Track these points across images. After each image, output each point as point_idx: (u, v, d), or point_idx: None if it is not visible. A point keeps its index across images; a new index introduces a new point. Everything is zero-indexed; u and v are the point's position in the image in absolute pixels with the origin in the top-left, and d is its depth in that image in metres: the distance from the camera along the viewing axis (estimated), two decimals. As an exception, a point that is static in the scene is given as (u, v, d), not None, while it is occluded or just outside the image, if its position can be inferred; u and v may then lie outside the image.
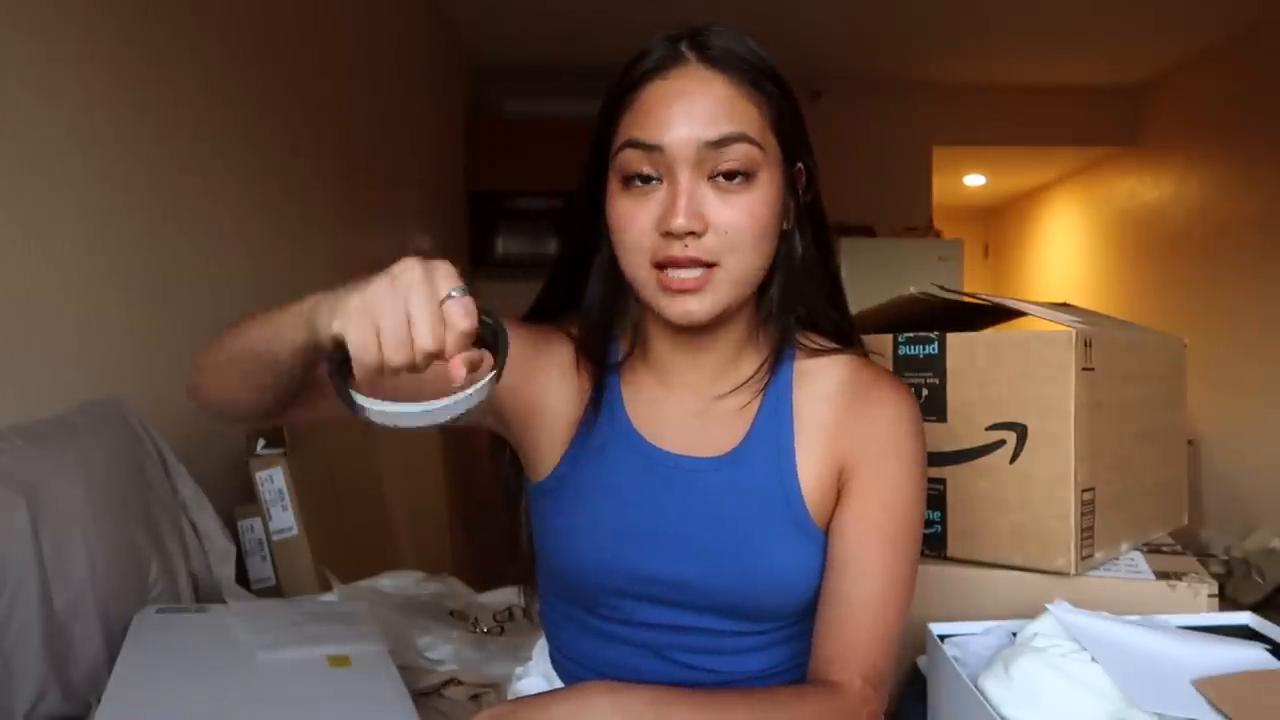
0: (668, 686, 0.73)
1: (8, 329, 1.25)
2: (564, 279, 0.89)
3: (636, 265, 0.77)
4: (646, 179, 0.76)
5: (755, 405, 0.84)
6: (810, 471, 0.83)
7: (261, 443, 1.75)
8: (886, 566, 0.80)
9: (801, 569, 0.82)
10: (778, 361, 0.85)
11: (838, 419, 0.84)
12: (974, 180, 6.35)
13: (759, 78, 0.78)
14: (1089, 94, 5.02)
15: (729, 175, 0.76)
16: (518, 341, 0.85)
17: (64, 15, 1.38)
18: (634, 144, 0.76)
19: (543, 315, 0.91)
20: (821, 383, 0.85)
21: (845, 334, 0.88)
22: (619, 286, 0.85)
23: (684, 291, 0.75)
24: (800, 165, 0.83)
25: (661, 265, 0.76)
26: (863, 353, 0.88)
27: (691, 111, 0.75)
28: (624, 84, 0.79)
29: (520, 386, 0.85)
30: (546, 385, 0.87)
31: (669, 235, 0.74)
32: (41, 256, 1.33)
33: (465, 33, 4.24)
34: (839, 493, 0.83)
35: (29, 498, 1.09)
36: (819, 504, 0.83)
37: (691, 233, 0.74)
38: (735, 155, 0.75)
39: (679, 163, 0.75)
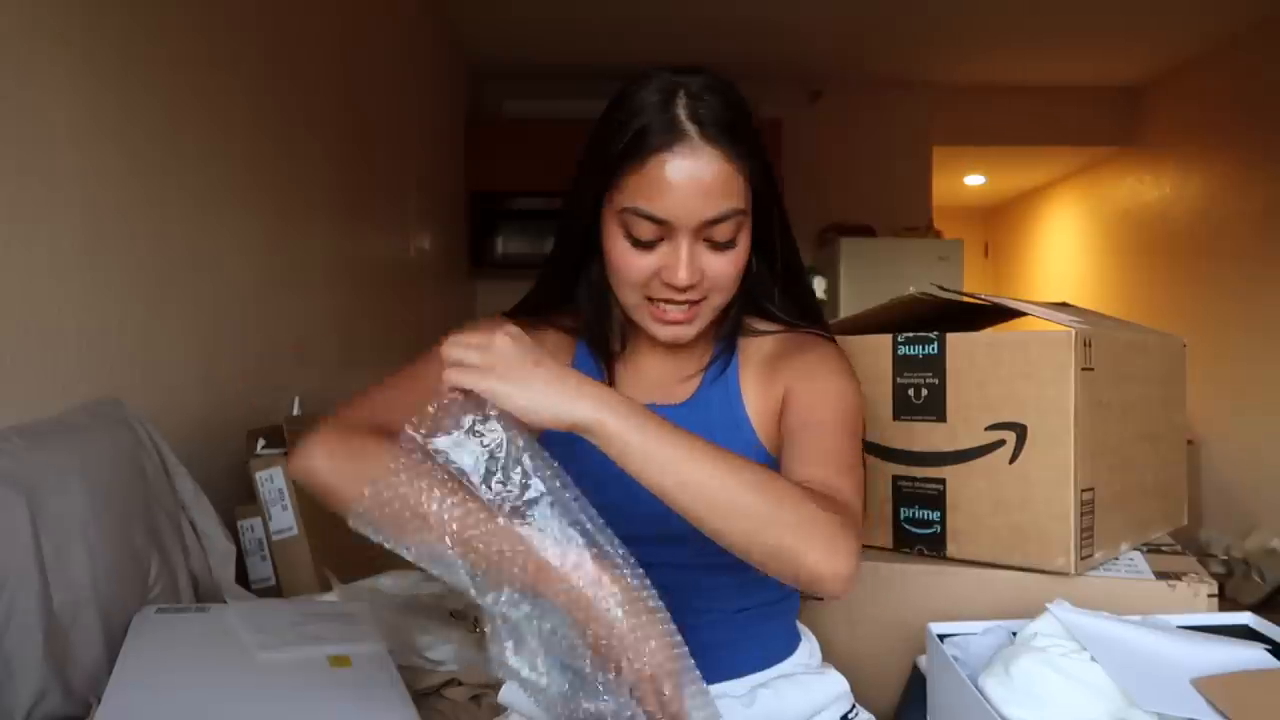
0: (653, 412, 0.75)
1: (8, 329, 1.25)
2: (554, 283, 1.00)
3: (630, 294, 0.91)
4: (649, 243, 0.87)
5: (705, 369, 1.00)
6: (755, 407, 0.97)
7: (261, 443, 1.75)
8: (836, 432, 0.88)
9: None
10: (729, 340, 1.00)
11: (773, 364, 0.98)
12: (974, 180, 6.35)
13: (750, 144, 0.88)
14: (1089, 94, 5.02)
15: (717, 242, 0.88)
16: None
17: (64, 15, 1.38)
18: (641, 214, 0.86)
19: (531, 310, 1.02)
20: (759, 348, 1.00)
21: (791, 323, 1.01)
22: (605, 295, 0.97)
23: (675, 322, 0.90)
24: (761, 204, 0.93)
25: (656, 300, 0.89)
26: (807, 330, 1.01)
27: (696, 192, 0.85)
28: (630, 145, 0.86)
29: None
30: None
31: (670, 286, 0.87)
32: (42, 256, 1.33)
33: (465, 33, 4.24)
34: (781, 410, 0.94)
35: (29, 498, 1.09)
36: (766, 433, 0.96)
37: (689, 286, 0.87)
38: (728, 228, 0.88)
39: (681, 232, 0.86)
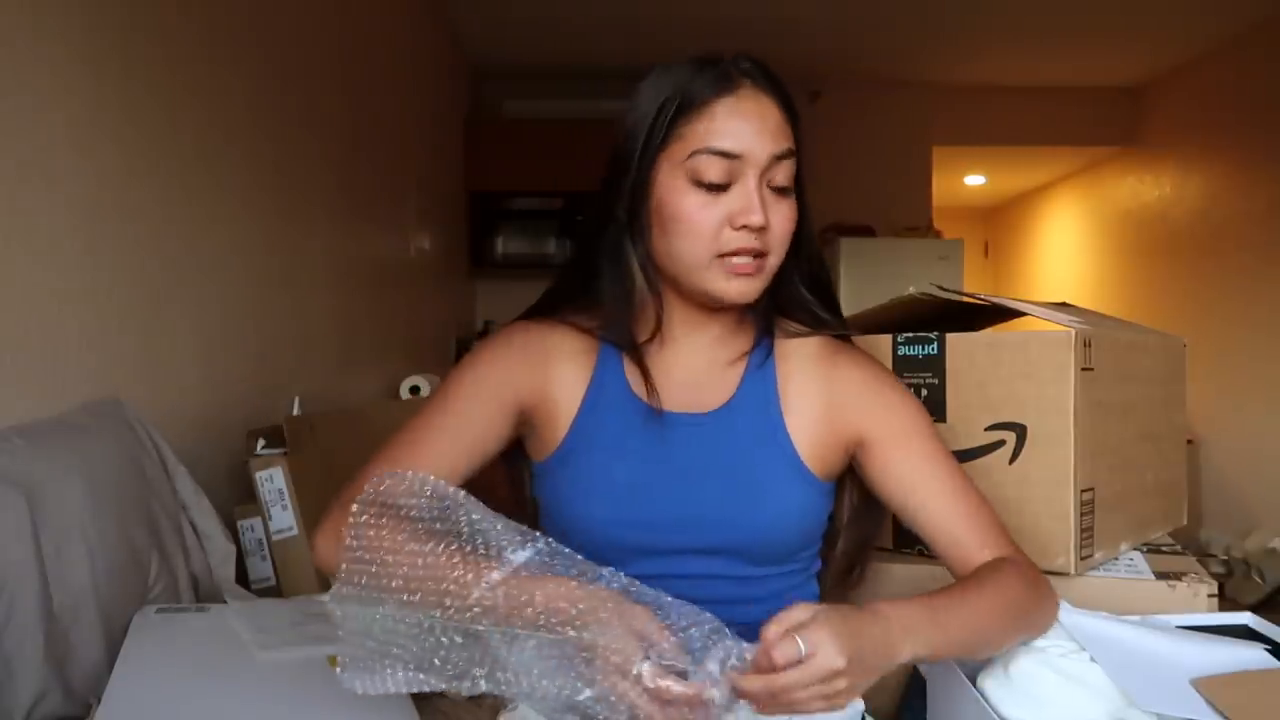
0: (924, 599, 0.80)
1: (8, 329, 1.25)
2: (574, 280, 1.00)
3: (697, 253, 0.89)
4: (716, 182, 0.88)
5: (741, 370, 0.97)
6: (798, 424, 0.95)
7: (261, 443, 1.75)
8: (953, 467, 0.95)
9: (799, 503, 0.95)
10: (767, 323, 0.99)
11: (819, 386, 0.97)
12: (974, 180, 6.35)
13: (793, 104, 0.92)
14: (1089, 94, 5.02)
15: (778, 185, 0.90)
16: (528, 347, 0.97)
17: (65, 14, 1.38)
18: (714, 152, 0.87)
19: (551, 307, 1.01)
20: (797, 353, 0.99)
21: (822, 319, 1.01)
22: (643, 273, 0.95)
23: (745, 274, 0.89)
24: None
25: (727, 254, 0.88)
26: (832, 333, 1.01)
27: (762, 128, 0.88)
28: (691, 94, 0.88)
29: (532, 385, 0.96)
30: (553, 376, 0.97)
31: (745, 229, 0.88)
32: (42, 256, 1.33)
33: (465, 33, 4.24)
34: (861, 451, 0.96)
35: (29, 498, 1.09)
36: (811, 452, 0.95)
37: (762, 227, 0.88)
38: (788, 168, 0.90)
39: (750, 169, 0.88)
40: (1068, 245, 6.08)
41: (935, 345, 1.19)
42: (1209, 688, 0.81)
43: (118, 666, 1.06)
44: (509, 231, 4.53)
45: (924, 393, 1.19)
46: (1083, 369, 1.09)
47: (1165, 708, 0.80)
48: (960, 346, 1.17)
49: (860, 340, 1.24)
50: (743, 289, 0.90)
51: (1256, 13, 3.92)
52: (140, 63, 1.59)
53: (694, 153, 0.87)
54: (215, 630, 1.17)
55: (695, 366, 0.97)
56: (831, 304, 1.03)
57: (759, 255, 0.89)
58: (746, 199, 0.87)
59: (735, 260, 0.88)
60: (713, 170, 0.87)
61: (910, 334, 1.21)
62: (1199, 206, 4.53)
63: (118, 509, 1.25)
